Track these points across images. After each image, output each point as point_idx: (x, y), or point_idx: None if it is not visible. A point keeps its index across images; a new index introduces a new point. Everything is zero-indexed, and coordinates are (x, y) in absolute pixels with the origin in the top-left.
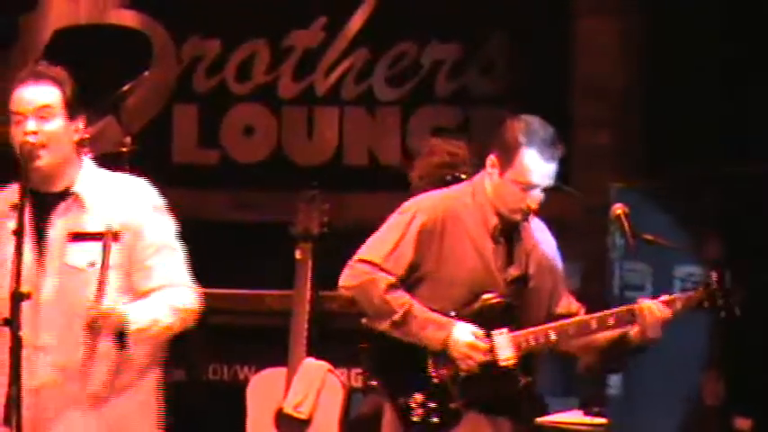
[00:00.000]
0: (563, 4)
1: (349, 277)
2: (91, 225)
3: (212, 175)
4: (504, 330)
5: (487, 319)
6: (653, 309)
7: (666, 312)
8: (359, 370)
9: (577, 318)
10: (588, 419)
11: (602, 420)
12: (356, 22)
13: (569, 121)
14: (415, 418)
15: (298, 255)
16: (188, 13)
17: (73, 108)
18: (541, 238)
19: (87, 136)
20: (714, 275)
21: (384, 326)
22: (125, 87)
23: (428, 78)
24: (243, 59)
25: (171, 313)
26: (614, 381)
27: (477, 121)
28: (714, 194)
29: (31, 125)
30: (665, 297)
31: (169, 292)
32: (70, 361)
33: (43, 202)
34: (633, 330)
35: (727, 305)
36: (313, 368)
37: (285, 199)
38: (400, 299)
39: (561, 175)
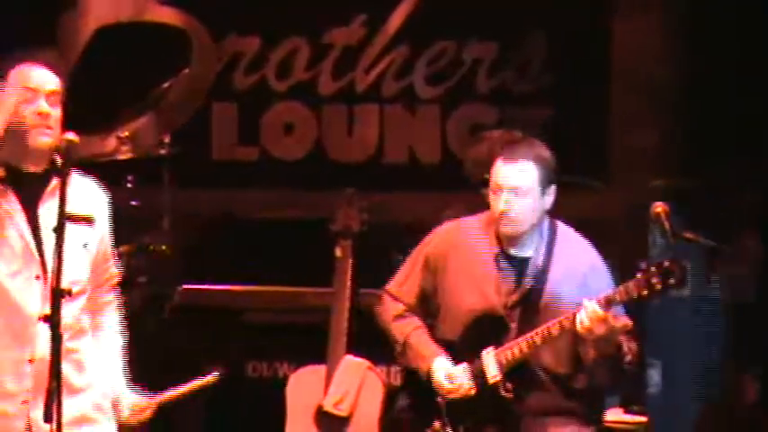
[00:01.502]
0: (601, 2)
1: (376, 304)
2: (78, 207)
3: (252, 172)
4: (491, 349)
5: (482, 339)
6: (588, 309)
7: (600, 313)
8: (398, 367)
9: (559, 318)
10: (628, 418)
11: (643, 419)
12: (396, 19)
13: (608, 120)
14: None
15: (337, 252)
16: (227, 10)
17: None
18: (569, 251)
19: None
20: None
21: (396, 353)
22: (164, 85)
23: (468, 76)
24: (283, 57)
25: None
26: (654, 380)
27: (515, 120)
28: (753, 192)
29: (44, 106)
30: (602, 295)
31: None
32: (68, 333)
33: (33, 181)
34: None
35: (665, 286)
36: (353, 365)
37: (325, 196)
38: (403, 328)
39: (599, 174)
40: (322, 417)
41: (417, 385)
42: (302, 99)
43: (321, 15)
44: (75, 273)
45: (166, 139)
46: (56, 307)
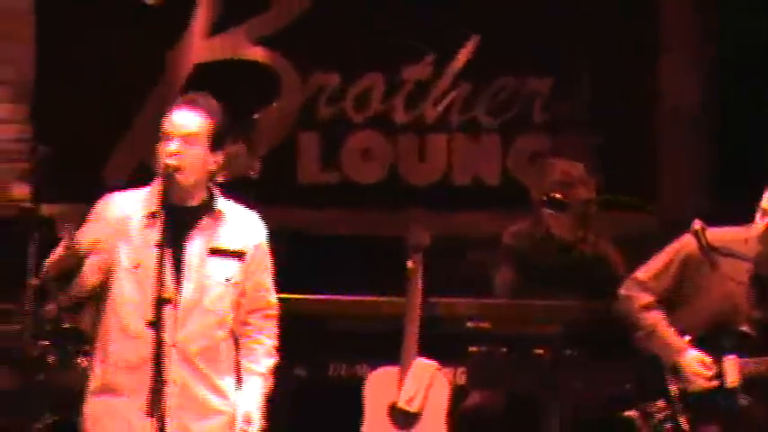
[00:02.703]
0: (648, 38)
1: (621, 287)
2: (228, 243)
3: (333, 194)
4: (733, 356)
5: (719, 344)
6: None
7: None
8: (463, 368)
9: None
10: None
11: None
12: (461, 58)
13: (654, 146)
14: (654, 422)
15: (410, 265)
16: (312, 50)
17: (216, 141)
18: None
19: (220, 165)
20: None
21: (635, 337)
22: (255, 116)
23: (525, 108)
24: (360, 91)
25: (268, 381)
26: None
27: (569, 148)
28: None
29: (174, 146)
30: None
31: (266, 347)
32: (200, 358)
33: (181, 215)
34: None
35: None
36: (423, 367)
37: (398, 215)
38: (649, 318)
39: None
40: (395, 412)
41: (646, 369)
42: (378, 128)
43: (395, 54)
44: (215, 304)
45: (256, 166)
46: (158, 314)
